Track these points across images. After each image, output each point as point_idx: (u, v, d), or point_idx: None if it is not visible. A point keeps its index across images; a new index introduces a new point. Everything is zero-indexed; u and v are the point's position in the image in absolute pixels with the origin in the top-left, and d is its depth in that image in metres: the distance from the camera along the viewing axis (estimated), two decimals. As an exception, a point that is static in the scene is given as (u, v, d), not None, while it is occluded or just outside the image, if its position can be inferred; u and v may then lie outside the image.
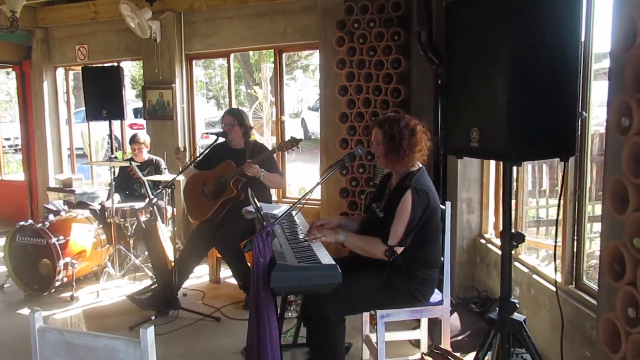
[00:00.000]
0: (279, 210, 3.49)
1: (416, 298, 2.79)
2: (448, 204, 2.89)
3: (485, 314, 3.39)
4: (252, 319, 2.52)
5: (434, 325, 3.24)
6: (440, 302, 2.90)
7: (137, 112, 12.09)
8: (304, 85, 20.02)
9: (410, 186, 2.67)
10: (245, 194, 4.01)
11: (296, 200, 2.75)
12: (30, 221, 4.73)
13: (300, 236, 2.90)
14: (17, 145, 12.61)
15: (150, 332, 1.40)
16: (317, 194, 5.36)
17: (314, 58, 19.29)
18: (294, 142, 3.98)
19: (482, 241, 3.99)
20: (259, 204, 3.06)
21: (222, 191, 4.18)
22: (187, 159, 4.42)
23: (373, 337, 3.03)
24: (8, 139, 12.79)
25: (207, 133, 4.53)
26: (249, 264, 4.06)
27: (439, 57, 4.07)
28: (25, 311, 4.32)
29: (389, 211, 2.76)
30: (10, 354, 3.60)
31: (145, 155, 5.46)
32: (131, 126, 10.81)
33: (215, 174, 4.24)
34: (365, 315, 3.28)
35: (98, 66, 6.22)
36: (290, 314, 3.89)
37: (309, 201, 5.30)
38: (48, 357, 1.51)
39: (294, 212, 3.26)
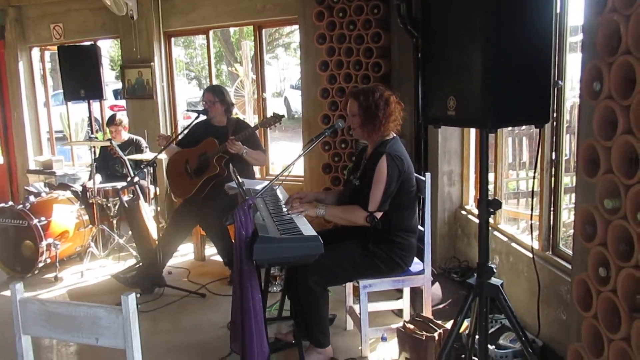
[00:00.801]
0: (262, 185, 3.49)
1: (397, 264, 2.86)
2: (428, 175, 2.93)
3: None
4: (236, 293, 2.55)
5: (416, 295, 3.30)
6: (422, 272, 2.96)
7: (117, 94, 11.94)
8: (287, 64, 19.87)
9: (384, 152, 2.75)
10: (228, 171, 4.01)
11: (278, 175, 2.77)
12: (10, 203, 4.68)
13: (284, 210, 2.92)
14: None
15: (131, 298, 1.42)
16: (299, 170, 5.38)
17: (295, 36, 19.11)
18: (277, 118, 3.98)
19: (463, 212, 4.05)
20: (240, 180, 3.06)
21: (205, 168, 4.17)
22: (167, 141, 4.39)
23: (356, 307, 3.08)
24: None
25: (188, 111, 4.49)
26: (233, 241, 4.07)
27: (418, 30, 4.07)
28: (8, 293, 4.29)
29: (364, 179, 2.85)
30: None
31: (125, 136, 5.41)
32: (112, 107, 10.66)
33: (198, 151, 4.21)
34: (349, 287, 3.33)
35: (74, 45, 6.12)
36: (274, 288, 3.93)
37: (292, 177, 5.30)
38: (30, 327, 1.52)
39: (275, 187, 3.27)
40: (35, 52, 7.16)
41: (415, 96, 4.17)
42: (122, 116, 5.48)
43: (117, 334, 1.44)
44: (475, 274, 2.18)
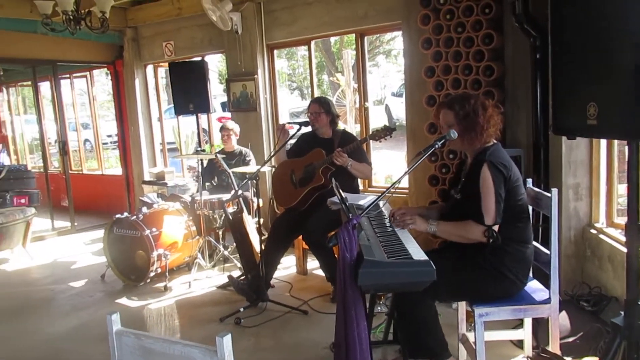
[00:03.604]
0: (365, 200, 3.33)
1: (508, 279, 2.55)
2: (554, 191, 2.58)
3: (599, 313, 3.03)
4: (340, 317, 2.38)
5: (539, 324, 2.94)
6: (548, 301, 2.60)
7: (225, 106, 12.41)
8: (387, 71, 19.69)
9: (485, 159, 2.52)
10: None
11: (384, 190, 2.58)
12: (125, 214, 4.92)
13: (389, 229, 2.72)
14: (116, 142, 13.42)
15: (227, 340, 1.29)
16: (404, 183, 5.13)
17: (396, 42, 18.83)
18: (387, 131, 3.83)
19: (593, 231, 3.59)
20: (344, 195, 2.91)
21: (310, 179, 4.10)
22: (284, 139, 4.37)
23: (470, 336, 2.80)
24: (110, 136, 13.67)
25: (290, 123, 4.46)
26: (336, 256, 3.94)
27: (536, 30, 3.70)
28: (124, 301, 4.50)
29: (466, 192, 2.64)
30: (104, 342, 3.71)
31: (235, 145, 5.51)
32: (220, 119, 11.07)
33: (305, 161, 4.18)
34: (462, 311, 3.04)
35: (183, 61, 6.37)
36: (379, 308, 3.73)
37: (396, 190, 5.08)
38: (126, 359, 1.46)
39: (381, 203, 3.08)
40: (150, 69, 7.58)
41: (534, 101, 3.78)
42: (233, 124, 5.60)
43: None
44: (622, 313, 1.83)
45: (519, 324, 3.06)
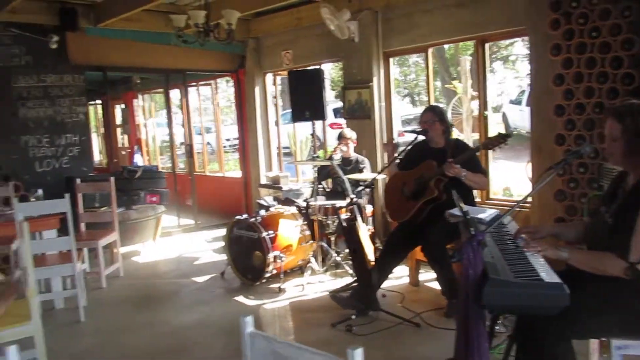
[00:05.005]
0: (486, 214, 3.19)
1: None
2: None
3: None
4: (460, 335, 2.31)
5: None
6: (698, 337, 2.32)
7: (336, 112, 12.63)
8: (503, 78, 18.90)
9: None
10: (447, 195, 3.79)
11: (502, 203, 2.46)
12: (245, 215, 5.17)
13: (512, 245, 2.59)
14: (233, 145, 14.24)
15: (358, 354, 1.30)
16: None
17: (514, 48, 17.97)
18: (502, 139, 3.65)
19: None
20: (465, 208, 2.83)
21: (423, 192, 4.02)
22: (395, 153, 4.36)
23: (603, 368, 2.57)
24: (228, 140, 14.54)
25: (407, 132, 4.42)
26: (454, 270, 3.84)
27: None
28: (241, 298, 4.73)
29: (620, 217, 2.31)
30: (227, 337, 3.96)
31: (352, 152, 5.59)
32: (331, 125, 11.29)
33: (415, 174, 4.10)
34: (594, 341, 2.81)
35: (302, 70, 6.58)
36: (497, 327, 3.56)
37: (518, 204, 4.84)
38: (258, 362, 1.53)
39: (506, 220, 2.94)
40: (269, 77, 7.92)
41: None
42: (351, 132, 5.68)
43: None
44: None
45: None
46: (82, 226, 5.46)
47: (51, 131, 6.44)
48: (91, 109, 10.80)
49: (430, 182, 3.96)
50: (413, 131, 4.30)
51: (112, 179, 5.51)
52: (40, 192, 5.15)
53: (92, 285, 5.16)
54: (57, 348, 3.75)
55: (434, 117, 4.17)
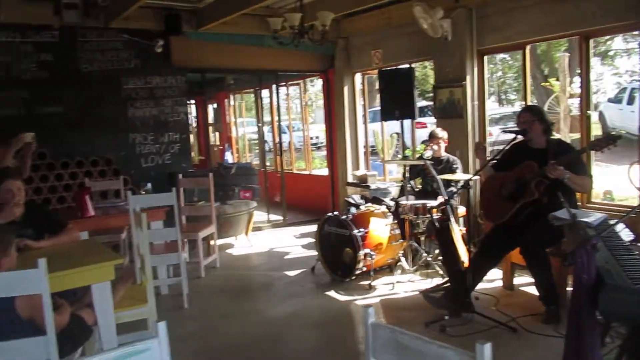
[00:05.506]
0: (593, 218, 3.07)
1: None
2: None
3: None
4: (571, 342, 2.26)
5: None
6: None
7: (420, 111, 12.48)
8: (600, 75, 17.81)
9: None
10: (551, 198, 3.67)
11: (606, 207, 2.37)
12: (335, 212, 5.27)
13: (627, 251, 2.49)
14: (317, 144, 14.47)
15: (487, 349, 1.33)
16: (633, 200, 4.60)
17: (614, 43, 16.88)
18: (611, 140, 3.48)
19: None
20: (573, 211, 2.74)
21: (522, 193, 3.91)
22: (486, 157, 4.29)
23: None
24: (311, 138, 14.80)
25: (505, 131, 4.30)
26: (553, 275, 3.73)
27: None
28: (332, 294, 4.83)
29: None
30: (317, 330, 4.08)
31: (443, 152, 5.53)
32: (416, 125, 11.16)
33: (515, 175, 4.00)
34: None
35: (392, 69, 6.59)
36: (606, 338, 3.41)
37: (623, 207, 4.61)
38: (379, 352, 1.58)
39: (612, 221, 2.82)
40: (357, 76, 7.99)
41: None
42: (442, 132, 5.60)
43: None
44: None
45: None
46: (183, 219, 5.81)
47: (155, 129, 6.89)
48: (187, 108, 11.41)
49: (531, 184, 3.85)
50: (511, 131, 4.19)
51: (211, 174, 5.81)
52: (149, 185, 5.54)
53: (191, 274, 5.48)
54: (165, 331, 4.03)
55: (532, 117, 4.04)
